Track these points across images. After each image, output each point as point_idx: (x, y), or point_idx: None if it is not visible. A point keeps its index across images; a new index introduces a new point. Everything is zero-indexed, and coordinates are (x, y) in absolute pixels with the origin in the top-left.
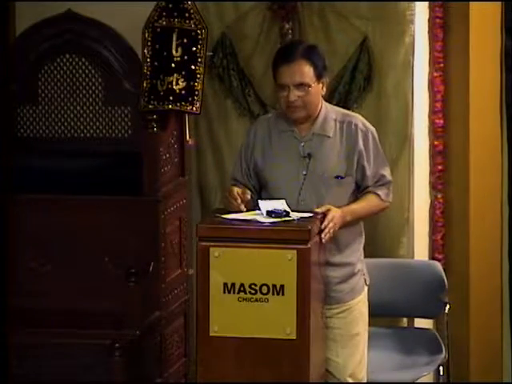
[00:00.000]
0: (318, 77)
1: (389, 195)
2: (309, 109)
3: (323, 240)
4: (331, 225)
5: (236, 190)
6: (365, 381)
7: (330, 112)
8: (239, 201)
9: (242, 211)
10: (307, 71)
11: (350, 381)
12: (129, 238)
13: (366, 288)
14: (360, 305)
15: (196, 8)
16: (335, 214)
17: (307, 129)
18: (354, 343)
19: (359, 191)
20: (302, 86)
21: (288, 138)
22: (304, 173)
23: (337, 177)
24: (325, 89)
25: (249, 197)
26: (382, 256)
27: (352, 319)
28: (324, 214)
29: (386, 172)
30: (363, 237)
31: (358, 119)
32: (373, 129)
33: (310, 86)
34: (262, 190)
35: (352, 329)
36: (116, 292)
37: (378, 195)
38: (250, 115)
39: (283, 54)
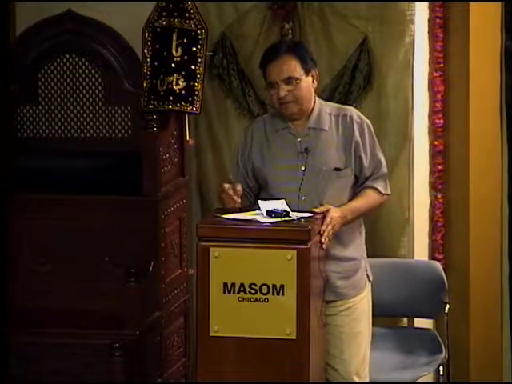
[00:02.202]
0: (306, 70)
1: (387, 188)
2: (301, 103)
3: (323, 246)
4: (330, 227)
5: (226, 185)
6: (367, 377)
7: (324, 107)
8: (231, 192)
9: (236, 203)
10: (293, 65)
11: (356, 378)
12: (129, 237)
13: (369, 285)
14: (363, 302)
15: (196, 8)
16: (334, 216)
17: (303, 124)
18: (358, 341)
19: (358, 185)
20: (290, 80)
21: (284, 136)
22: (303, 168)
23: (336, 169)
24: (316, 82)
25: (238, 188)
26: (382, 256)
27: (356, 317)
28: (324, 214)
29: (383, 163)
30: (363, 232)
31: (353, 111)
32: (367, 121)
33: (298, 79)
34: (260, 192)
35: (356, 326)
36: (116, 292)
37: (376, 189)
38: (250, 115)
39: (268, 54)
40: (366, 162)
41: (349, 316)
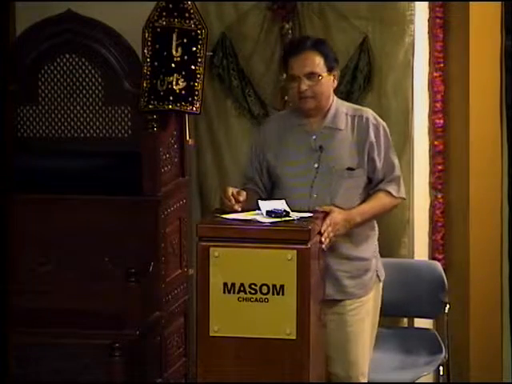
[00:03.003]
0: (329, 68)
1: (399, 191)
2: (319, 100)
3: (324, 246)
4: (330, 228)
5: (231, 190)
6: (367, 374)
7: (341, 106)
8: (233, 201)
9: (236, 211)
10: (317, 61)
11: (361, 379)
12: (129, 237)
13: (380, 284)
14: (370, 301)
15: (196, 8)
16: (336, 217)
17: (319, 122)
18: (364, 341)
19: (371, 187)
20: (312, 75)
21: (299, 132)
22: (316, 166)
23: (348, 168)
24: (336, 82)
25: (241, 198)
26: (383, 256)
27: (363, 316)
28: (325, 214)
29: (396, 166)
30: (376, 231)
31: (369, 113)
32: (384, 123)
33: (320, 75)
34: (273, 189)
35: (363, 326)
36: (116, 292)
37: (388, 192)
38: (250, 115)
39: (293, 46)
40: (379, 164)
41: (356, 316)
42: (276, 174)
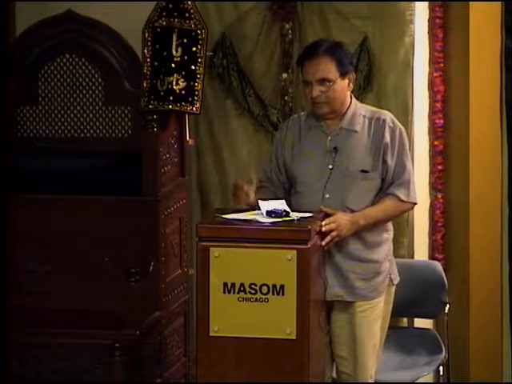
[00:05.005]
0: (342, 72)
1: (409, 195)
2: (332, 105)
3: (323, 243)
4: (334, 228)
5: (240, 181)
6: (374, 376)
7: (360, 109)
8: (246, 187)
9: (249, 197)
10: (329, 67)
11: (370, 381)
12: (129, 238)
13: (392, 288)
14: (381, 304)
15: (196, 8)
16: (341, 217)
17: (335, 124)
18: (373, 343)
19: (382, 190)
20: (324, 81)
21: (316, 133)
22: (330, 167)
23: (362, 171)
24: (352, 85)
25: (254, 183)
26: None
27: (373, 319)
28: (325, 215)
29: (407, 170)
30: (391, 234)
31: (387, 116)
32: (402, 127)
33: (332, 81)
34: (291, 188)
35: (372, 328)
36: (116, 292)
37: (397, 196)
38: (250, 115)
39: (307, 51)
40: (391, 167)
41: (366, 317)
42: (292, 173)
